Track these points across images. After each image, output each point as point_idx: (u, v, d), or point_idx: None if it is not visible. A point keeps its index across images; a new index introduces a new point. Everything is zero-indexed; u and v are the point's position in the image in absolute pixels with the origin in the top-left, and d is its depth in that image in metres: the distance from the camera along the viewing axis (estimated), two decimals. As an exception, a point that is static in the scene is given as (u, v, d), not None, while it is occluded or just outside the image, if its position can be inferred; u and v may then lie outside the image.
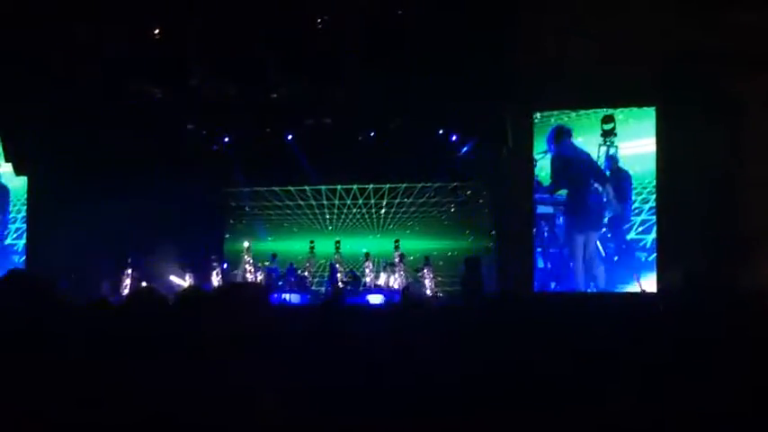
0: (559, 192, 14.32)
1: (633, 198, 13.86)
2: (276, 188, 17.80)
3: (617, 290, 13.73)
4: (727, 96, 13.10)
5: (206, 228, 17.44)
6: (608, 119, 14.08)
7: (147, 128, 15.79)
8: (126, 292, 15.89)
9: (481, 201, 16.54)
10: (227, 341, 3.27)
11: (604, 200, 14.01)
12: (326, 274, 16.75)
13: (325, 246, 17.34)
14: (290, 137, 16.59)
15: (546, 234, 14.38)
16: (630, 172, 13.92)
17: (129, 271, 16.39)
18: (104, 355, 3.39)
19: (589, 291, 13.92)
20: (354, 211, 17.59)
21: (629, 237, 13.83)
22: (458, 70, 14.03)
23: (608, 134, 14.04)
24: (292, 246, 17.76)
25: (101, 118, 15.09)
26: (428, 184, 16.96)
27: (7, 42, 14.20)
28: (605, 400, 3.45)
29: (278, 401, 3.08)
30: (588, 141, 14.17)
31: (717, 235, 12.80)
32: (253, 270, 16.94)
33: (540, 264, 14.38)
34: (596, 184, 14.07)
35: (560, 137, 14.29)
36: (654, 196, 13.71)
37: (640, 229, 13.75)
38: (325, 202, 17.73)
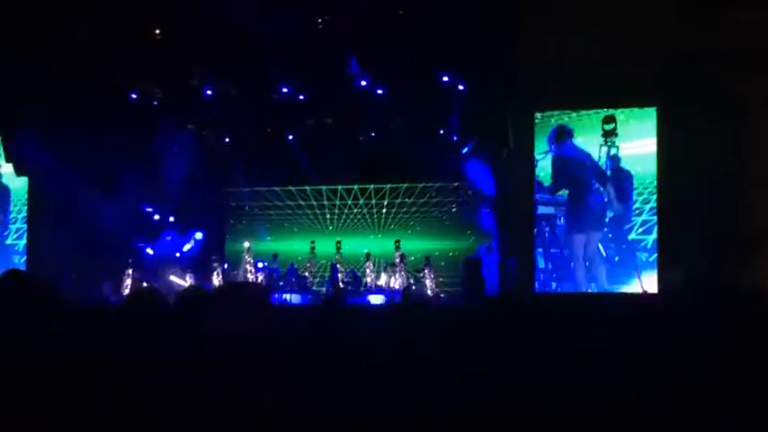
0: (560, 192, 14.31)
1: (634, 198, 13.86)
2: (277, 188, 17.81)
3: (618, 290, 13.72)
4: (727, 96, 13.10)
5: (208, 228, 17.45)
6: (609, 119, 14.08)
7: (149, 127, 15.81)
8: (126, 292, 15.88)
9: (484, 200, 16.52)
10: (228, 341, 3.27)
11: (605, 200, 14.01)
12: (327, 274, 16.74)
13: (325, 246, 17.33)
14: (290, 137, 16.60)
15: (547, 234, 14.37)
16: (632, 172, 13.91)
17: (130, 271, 16.40)
18: (104, 355, 3.39)
19: (590, 291, 13.91)
20: (355, 211, 17.59)
21: (629, 237, 13.82)
22: (458, 70, 14.04)
23: (609, 134, 14.04)
24: (293, 246, 17.75)
25: (101, 118, 15.10)
26: (429, 184, 16.95)
27: (8, 42, 14.21)
28: (606, 400, 3.44)
29: (278, 401, 3.08)
30: (589, 142, 14.17)
31: (717, 235, 12.79)
32: (253, 270, 16.94)
33: (541, 264, 14.37)
34: (597, 185, 14.06)
35: (561, 137, 14.29)
36: (655, 196, 13.71)
37: (641, 229, 13.74)
38: (325, 203, 17.73)
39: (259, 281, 16.30)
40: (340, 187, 17.52)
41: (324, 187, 17.58)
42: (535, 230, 14.37)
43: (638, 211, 13.82)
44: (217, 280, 16.56)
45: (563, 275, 14.21)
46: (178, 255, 17.00)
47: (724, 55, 12.67)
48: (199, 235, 17.16)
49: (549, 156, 14.38)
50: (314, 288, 16.86)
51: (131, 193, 15.77)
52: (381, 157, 16.19)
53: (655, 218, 13.68)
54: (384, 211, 17.44)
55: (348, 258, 17.07)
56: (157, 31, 14.73)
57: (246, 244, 17.32)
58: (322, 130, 16.23)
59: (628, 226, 13.85)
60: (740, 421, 3.23)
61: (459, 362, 3.54)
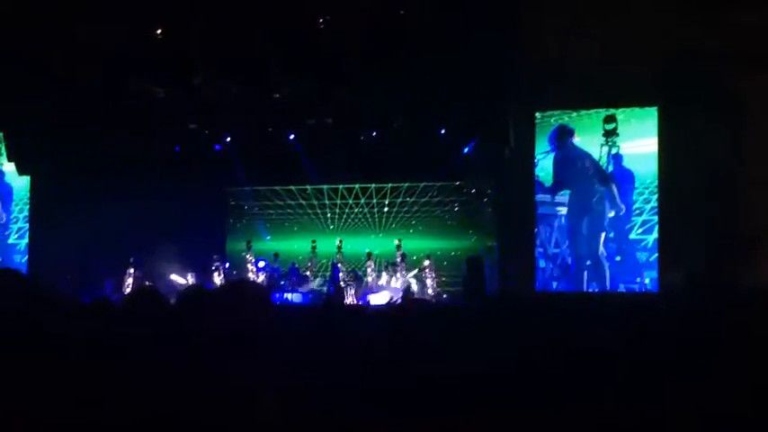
0: (561, 192, 14.31)
1: (635, 198, 13.86)
2: (278, 187, 17.81)
3: (619, 289, 13.72)
4: (728, 96, 13.10)
5: (208, 227, 17.46)
6: (610, 119, 14.08)
7: (149, 127, 15.82)
8: (128, 290, 15.89)
9: (485, 200, 16.52)
10: (229, 340, 3.27)
11: (606, 200, 14.00)
12: (328, 273, 16.75)
13: (326, 245, 17.34)
14: (292, 136, 16.61)
15: (547, 234, 14.38)
16: (633, 172, 13.91)
17: (132, 270, 16.41)
18: (104, 355, 3.39)
19: (591, 291, 13.91)
20: (356, 210, 17.59)
21: (630, 237, 13.82)
22: (459, 70, 14.05)
23: (610, 134, 14.04)
24: (294, 245, 17.76)
25: (103, 118, 15.12)
26: (431, 184, 16.95)
27: (8, 42, 14.22)
28: (606, 399, 3.44)
29: (279, 401, 3.08)
30: (590, 141, 14.17)
31: (718, 234, 12.80)
32: (254, 270, 16.94)
33: (542, 264, 14.37)
34: (598, 184, 14.06)
35: (563, 136, 14.29)
36: (655, 196, 13.71)
37: (642, 229, 13.74)
38: (326, 202, 17.73)
39: (260, 280, 16.30)
40: (341, 186, 17.52)
41: (325, 186, 17.58)
42: (536, 230, 14.37)
43: (638, 211, 13.82)
44: (218, 279, 16.57)
45: (564, 275, 14.21)
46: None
47: (724, 54, 12.67)
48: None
49: (550, 155, 14.38)
50: (315, 288, 16.86)
51: (133, 191, 15.78)
52: (383, 156, 16.19)
53: (655, 217, 13.68)
54: (385, 210, 17.44)
55: (349, 258, 17.07)
56: (158, 31, 14.73)
57: (248, 243, 17.34)
58: (323, 129, 16.23)
59: (628, 225, 13.85)
60: (741, 421, 3.23)
61: (459, 361, 3.54)
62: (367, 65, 14.48)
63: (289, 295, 16.05)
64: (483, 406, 3.27)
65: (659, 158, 13.68)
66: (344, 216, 17.69)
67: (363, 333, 4.18)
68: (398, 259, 16.31)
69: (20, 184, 16.64)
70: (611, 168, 14.01)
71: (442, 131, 15.87)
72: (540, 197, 14.39)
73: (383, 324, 4.12)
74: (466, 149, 15.89)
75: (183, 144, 16.86)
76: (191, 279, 16.35)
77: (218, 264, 16.89)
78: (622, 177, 13.94)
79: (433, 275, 15.99)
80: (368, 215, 17.57)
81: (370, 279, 16.45)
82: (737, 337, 3.89)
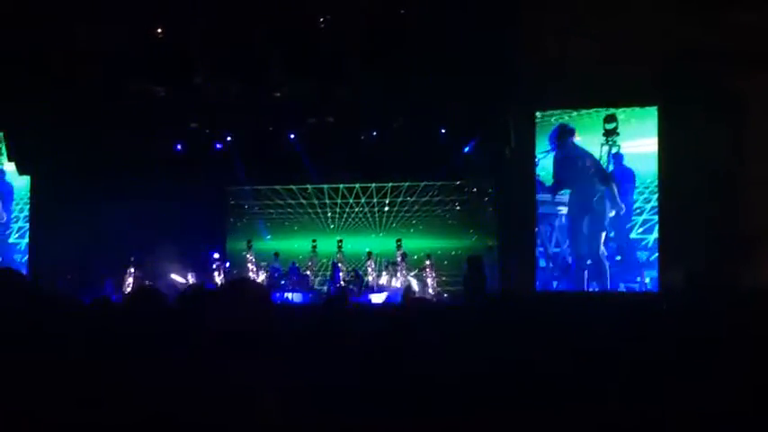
0: (562, 191, 14.31)
1: (635, 197, 13.86)
2: (278, 187, 17.82)
3: (619, 289, 13.72)
4: (728, 95, 13.10)
5: (208, 227, 17.48)
6: (610, 118, 14.08)
7: (149, 127, 15.83)
8: (128, 290, 15.90)
9: (486, 199, 16.52)
10: (229, 340, 3.27)
11: (607, 199, 14.00)
12: (329, 273, 16.75)
13: (327, 245, 17.34)
14: (292, 136, 16.61)
15: (548, 233, 14.38)
16: (634, 171, 13.92)
17: (132, 270, 16.42)
18: (104, 355, 3.39)
19: (591, 290, 13.91)
20: (357, 209, 17.59)
21: (631, 236, 13.82)
22: (459, 70, 14.05)
23: (610, 134, 14.04)
24: (294, 245, 17.76)
25: (103, 118, 15.13)
26: (431, 183, 16.95)
27: (8, 42, 14.22)
28: (607, 399, 3.44)
29: (279, 401, 3.08)
30: (590, 141, 14.17)
31: (718, 234, 12.79)
32: (255, 269, 16.95)
33: (542, 263, 14.37)
34: (599, 184, 14.06)
35: (563, 136, 14.29)
36: (656, 195, 13.71)
37: (642, 228, 13.74)
38: (327, 201, 17.73)
39: (260, 279, 16.31)
40: (341, 186, 17.52)
41: (325, 186, 17.58)
42: (536, 229, 14.37)
43: (638, 211, 13.82)
44: (219, 279, 16.58)
45: (564, 274, 14.21)
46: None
47: (724, 54, 12.67)
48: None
49: (550, 155, 14.38)
50: (315, 287, 16.87)
51: (133, 191, 15.78)
52: (383, 155, 16.20)
53: (655, 217, 13.68)
54: (386, 209, 17.44)
55: (349, 257, 17.07)
56: (158, 31, 14.73)
57: (248, 243, 17.36)
58: (324, 128, 16.23)
59: (629, 225, 13.85)
60: (741, 421, 3.23)
61: (459, 361, 3.54)
62: (367, 65, 14.47)
63: (289, 295, 16.05)
64: (483, 406, 3.27)
65: (659, 158, 13.68)
66: (345, 215, 17.69)
67: (363, 333, 4.17)
68: (399, 259, 16.31)
69: (20, 183, 16.65)
70: (611, 168, 14.01)
71: (443, 131, 15.87)
72: (540, 196, 14.39)
73: (383, 324, 4.12)
74: (466, 149, 15.89)
75: (184, 143, 16.87)
76: (191, 279, 16.36)
77: (218, 263, 16.89)
78: (623, 177, 13.94)
79: (434, 275, 15.99)
80: (368, 215, 17.57)
81: (370, 278, 16.45)
82: (737, 337, 3.89)
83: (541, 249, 14.37)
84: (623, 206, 13.89)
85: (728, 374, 3.50)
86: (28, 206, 16.62)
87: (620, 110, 14.04)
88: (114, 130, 15.36)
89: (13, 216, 16.65)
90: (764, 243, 12.71)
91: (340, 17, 14.29)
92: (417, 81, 14.37)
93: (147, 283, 15.48)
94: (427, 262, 16.16)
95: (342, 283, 16.12)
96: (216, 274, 16.70)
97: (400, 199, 17.29)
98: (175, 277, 16.25)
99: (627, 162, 13.95)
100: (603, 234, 13.99)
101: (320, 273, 17.21)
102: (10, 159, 16.42)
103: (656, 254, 13.58)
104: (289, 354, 3.49)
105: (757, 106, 13.00)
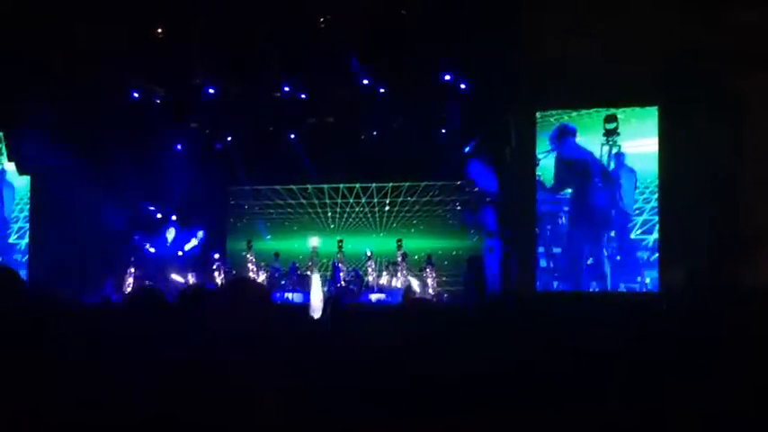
0: (563, 191, 14.30)
1: (636, 198, 13.85)
2: (278, 187, 17.82)
3: (620, 289, 13.71)
4: (729, 95, 13.08)
5: (208, 227, 17.48)
6: (611, 118, 14.06)
7: (149, 127, 15.84)
8: (129, 290, 15.90)
9: (487, 199, 16.50)
10: (229, 340, 3.27)
11: (608, 199, 13.99)
12: (329, 273, 16.75)
13: (327, 245, 17.33)
14: (292, 135, 16.61)
15: (548, 233, 14.37)
16: (634, 171, 13.91)
17: (132, 270, 16.41)
18: (104, 355, 3.39)
19: (592, 290, 13.90)
20: (357, 209, 17.59)
21: (631, 236, 13.81)
22: (460, 70, 14.04)
23: (611, 134, 14.03)
24: (294, 245, 17.76)
25: (103, 118, 15.13)
26: (431, 183, 16.94)
27: (8, 42, 14.22)
28: (607, 399, 3.44)
29: (278, 401, 3.08)
30: (591, 141, 14.15)
31: (719, 233, 12.78)
32: (255, 269, 16.94)
33: (543, 263, 14.36)
34: (600, 184, 14.05)
35: (564, 136, 14.27)
36: (656, 196, 13.70)
37: (643, 229, 13.73)
38: (327, 201, 17.72)
39: (261, 279, 16.31)
40: (342, 186, 17.52)
41: (325, 186, 17.58)
42: (537, 229, 14.37)
43: (638, 211, 13.81)
44: (219, 279, 16.58)
45: (565, 275, 14.20)
46: (180, 253, 17.01)
47: (725, 53, 12.65)
48: (200, 233, 17.16)
49: (551, 155, 14.36)
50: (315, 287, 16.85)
51: (133, 191, 15.79)
52: (383, 155, 16.19)
53: (656, 217, 13.67)
54: (386, 209, 17.44)
55: (350, 257, 17.05)
56: (159, 31, 14.73)
57: (248, 243, 17.36)
58: (324, 128, 16.23)
59: (630, 225, 13.84)
60: (741, 420, 3.22)
61: (459, 361, 3.54)
62: (368, 64, 14.49)
63: (289, 295, 16.06)
64: (483, 406, 3.27)
65: (660, 158, 13.66)
66: (345, 215, 17.69)
67: (364, 332, 4.18)
68: (399, 259, 16.30)
69: (20, 183, 16.64)
70: (612, 167, 14.00)
71: (443, 131, 15.87)
72: (541, 196, 14.37)
73: (384, 323, 4.12)
74: (467, 149, 15.88)
75: (184, 143, 16.87)
76: (191, 279, 16.36)
77: (218, 263, 16.89)
78: (624, 177, 13.93)
79: (434, 275, 15.97)
80: (369, 215, 17.57)
81: (370, 279, 16.44)
82: (738, 337, 3.89)
83: (542, 249, 14.35)
84: (624, 206, 13.88)
85: (729, 374, 3.50)
86: (28, 206, 16.61)
87: (621, 110, 14.04)
88: (114, 131, 15.36)
89: (13, 216, 16.64)
90: (765, 243, 12.70)
91: (340, 17, 14.28)
92: (417, 80, 14.38)
93: (147, 283, 15.49)
94: (427, 262, 16.14)
95: (342, 283, 16.12)
96: (216, 274, 16.70)
97: (401, 199, 17.29)
98: (175, 277, 16.25)
99: (628, 162, 13.94)
100: (604, 234, 13.98)
101: (321, 273, 17.19)
102: (10, 159, 16.42)
103: (657, 254, 13.57)
104: (289, 354, 3.49)
105: (758, 106, 12.99)
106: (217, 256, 17.04)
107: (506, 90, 14.12)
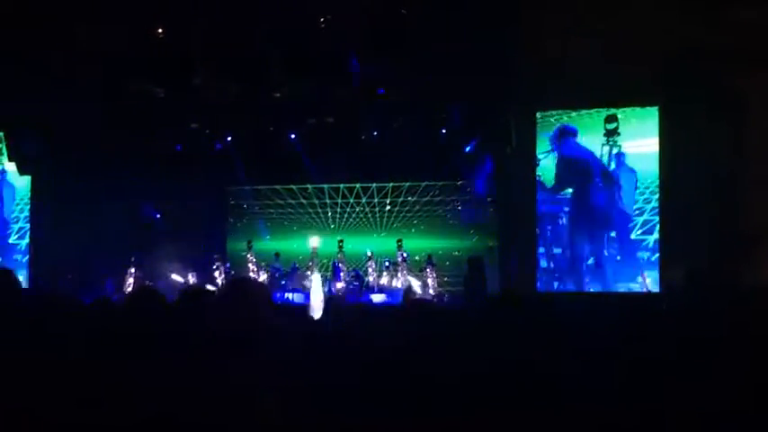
0: (563, 191, 14.30)
1: (636, 198, 13.85)
2: (278, 187, 17.81)
3: (620, 289, 13.71)
4: (729, 94, 13.08)
5: (208, 227, 17.48)
6: (611, 118, 14.06)
7: (149, 127, 15.84)
8: (129, 290, 15.90)
9: (488, 199, 16.49)
10: (229, 340, 3.27)
11: (608, 199, 13.99)
12: (329, 273, 16.74)
13: (328, 245, 17.31)
14: (292, 135, 16.61)
15: (549, 234, 14.37)
16: (635, 171, 13.90)
17: (133, 270, 16.41)
18: (104, 355, 3.39)
19: (592, 291, 13.90)
20: (357, 209, 17.57)
21: (632, 237, 13.81)
22: (460, 70, 14.04)
23: (611, 134, 14.03)
24: (295, 245, 17.75)
25: (103, 118, 15.13)
26: (432, 183, 16.94)
27: (8, 42, 14.23)
28: (607, 399, 3.44)
29: (279, 401, 3.07)
30: (591, 141, 14.16)
31: (719, 232, 12.79)
32: (256, 269, 16.94)
33: (543, 264, 14.36)
34: (601, 184, 14.05)
35: (564, 136, 14.27)
36: (656, 196, 13.69)
37: (643, 229, 13.73)
38: (327, 201, 17.71)
39: (262, 279, 16.30)
40: (342, 186, 17.50)
41: (326, 186, 17.56)
42: (537, 230, 14.37)
43: (639, 211, 13.81)
44: (219, 279, 16.57)
45: (565, 275, 14.20)
46: None
47: (726, 53, 12.65)
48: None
49: (551, 155, 14.36)
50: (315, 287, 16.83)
51: (133, 191, 15.79)
52: (384, 155, 16.19)
53: (656, 218, 13.67)
54: (387, 209, 17.42)
55: (350, 257, 17.04)
56: (159, 31, 14.73)
57: (248, 243, 17.35)
58: (324, 128, 16.23)
59: (630, 225, 13.84)
60: (742, 420, 3.22)
61: (459, 361, 3.53)
62: (368, 64, 14.48)
63: (289, 295, 16.05)
64: (483, 406, 3.27)
65: (660, 158, 13.66)
66: (345, 215, 17.68)
67: (364, 333, 4.17)
68: (400, 259, 16.29)
69: (21, 183, 16.64)
70: (612, 167, 14.00)
71: (443, 131, 15.87)
72: (541, 196, 14.37)
73: (384, 324, 4.12)
74: (468, 148, 15.88)
75: (184, 143, 16.87)
76: (191, 279, 16.36)
77: (218, 264, 16.88)
78: (624, 177, 13.93)
79: (435, 275, 15.96)
80: (369, 215, 17.56)
81: (371, 279, 16.43)
82: (738, 337, 3.89)
83: (542, 250, 14.35)
84: (625, 207, 13.87)
85: (729, 374, 3.50)
86: (28, 206, 16.61)
87: (621, 110, 14.03)
88: (114, 131, 15.36)
89: (13, 216, 16.64)
90: (765, 242, 12.70)
91: (341, 16, 14.28)
92: (417, 80, 14.37)
93: (147, 283, 15.49)
94: (428, 262, 16.13)
95: (342, 283, 16.11)
96: (216, 274, 16.69)
97: (401, 199, 17.27)
98: (176, 277, 16.25)
99: (628, 162, 13.94)
100: (604, 234, 13.98)
101: (321, 273, 17.17)
102: (10, 159, 16.42)
103: (657, 254, 13.57)
104: (288, 354, 3.49)
105: (759, 105, 12.99)
106: (217, 256, 17.04)
107: (506, 90, 14.12)
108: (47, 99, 14.71)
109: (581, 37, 13.28)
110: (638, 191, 13.83)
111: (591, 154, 14.12)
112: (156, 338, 3.46)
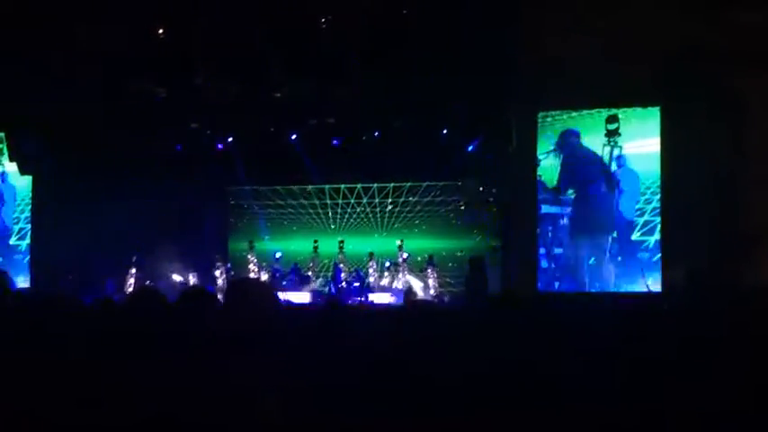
0: (565, 192, 14.28)
1: (637, 199, 13.83)
2: (279, 187, 17.80)
3: (621, 290, 13.69)
4: (730, 95, 13.08)
5: (209, 227, 17.48)
6: (612, 119, 14.05)
7: (150, 127, 15.84)
8: (130, 290, 15.90)
9: (490, 199, 16.48)
10: (229, 340, 3.27)
11: (610, 201, 13.97)
12: (330, 273, 16.74)
13: (328, 245, 17.31)
14: (293, 136, 16.61)
15: (550, 234, 14.35)
16: (636, 172, 13.89)
17: (134, 270, 16.41)
18: (105, 355, 3.39)
19: (593, 291, 13.89)
20: (358, 210, 17.56)
21: (633, 237, 13.80)
22: (461, 69, 14.04)
23: (612, 134, 14.01)
24: (296, 245, 17.74)
25: (103, 118, 15.14)
26: (433, 183, 16.91)
27: (8, 42, 14.23)
28: (608, 399, 3.44)
29: (279, 401, 3.07)
30: (592, 141, 14.14)
31: (720, 233, 12.78)
32: (257, 270, 16.94)
33: (544, 264, 14.34)
34: (602, 185, 14.03)
35: (568, 138, 14.25)
36: (657, 197, 13.68)
37: (644, 230, 13.72)
38: (328, 202, 17.70)
39: (264, 278, 16.30)
40: (343, 186, 17.49)
41: (326, 186, 17.55)
42: (538, 230, 14.36)
43: (640, 212, 13.79)
44: (220, 279, 16.57)
45: (566, 275, 14.19)
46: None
47: (726, 53, 12.65)
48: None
49: (552, 155, 14.34)
50: (317, 288, 16.84)
51: (133, 191, 15.79)
52: (384, 155, 16.18)
53: (657, 218, 13.65)
54: (388, 210, 17.40)
55: (351, 258, 17.03)
56: (159, 31, 14.74)
57: (250, 243, 17.35)
58: (325, 129, 16.23)
59: (631, 226, 13.83)
60: (742, 420, 3.22)
61: (460, 361, 3.53)
62: (368, 64, 14.47)
63: (290, 295, 16.03)
64: (484, 406, 3.27)
65: (661, 158, 13.64)
66: (346, 216, 17.67)
67: (364, 333, 4.17)
68: (401, 259, 16.29)
69: (22, 184, 16.64)
70: (614, 169, 13.99)
71: (444, 131, 15.86)
72: (542, 197, 14.36)
73: (384, 324, 4.12)
74: (469, 148, 15.87)
75: (185, 144, 16.87)
76: (192, 279, 16.36)
77: (219, 264, 16.88)
78: (626, 178, 13.91)
79: (436, 275, 15.95)
80: (370, 215, 17.55)
81: (372, 279, 16.43)
82: (738, 336, 3.89)
83: (543, 250, 14.34)
84: (626, 207, 13.86)
85: (729, 374, 3.50)
86: (29, 207, 16.61)
87: (622, 110, 14.02)
88: (114, 131, 15.36)
89: (14, 217, 16.64)
90: (766, 242, 12.70)
91: (340, 17, 14.28)
92: (418, 81, 14.37)
93: (148, 283, 15.50)
94: (428, 262, 16.13)
95: (343, 284, 16.12)
96: (217, 274, 16.69)
97: (402, 199, 17.26)
98: (177, 277, 16.25)
99: (629, 163, 13.92)
100: (605, 235, 13.97)
101: (322, 273, 17.18)
102: (11, 160, 16.42)
103: (658, 255, 13.55)
104: (288, 354, 3.49)
105: (759, 106, 12.99)
106: (218, 256, 17.03)
107: (507, 89, 14.12)
108: (47, 99, 14.72)
109: (581, 36, 13.27)
110: (639, 192, 13.82)
111: (594, 156, 14.10)
112: (156, 338, 3.46)
